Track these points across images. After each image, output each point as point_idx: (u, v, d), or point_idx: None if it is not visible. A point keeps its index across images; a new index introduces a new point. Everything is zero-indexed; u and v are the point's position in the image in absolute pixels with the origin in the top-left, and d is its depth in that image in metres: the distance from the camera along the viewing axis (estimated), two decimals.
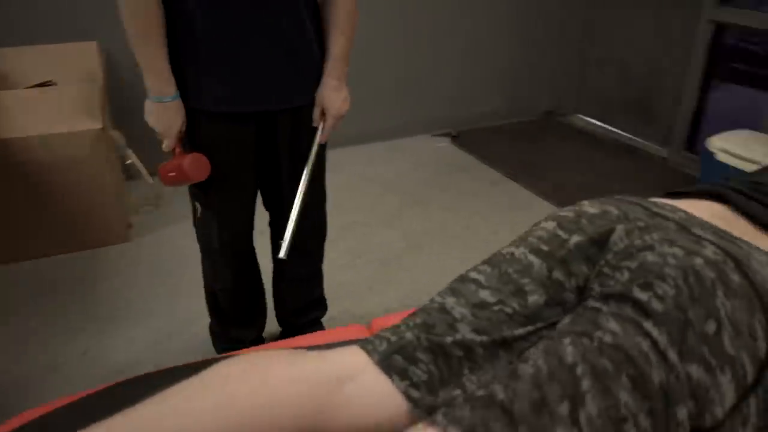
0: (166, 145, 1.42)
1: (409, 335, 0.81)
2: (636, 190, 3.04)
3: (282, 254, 1.49)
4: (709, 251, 0.74)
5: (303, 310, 1.87)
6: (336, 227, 2.42)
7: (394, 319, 1.04)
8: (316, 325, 1.90)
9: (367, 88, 3.36)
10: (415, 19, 3.43)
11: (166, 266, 2.39)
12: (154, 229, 2.65)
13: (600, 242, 0.83)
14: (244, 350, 1.36)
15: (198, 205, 1.57)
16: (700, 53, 3.13)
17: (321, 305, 1.90)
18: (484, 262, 0.91)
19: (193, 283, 2.16)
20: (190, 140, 1.44)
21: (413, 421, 0.74)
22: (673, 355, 0.66)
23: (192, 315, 2.09)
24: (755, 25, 2.93)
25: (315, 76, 1.48)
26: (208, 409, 0.72)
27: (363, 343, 0.82)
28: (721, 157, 2.48)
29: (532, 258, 0.86)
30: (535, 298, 0.82)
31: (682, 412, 0.65)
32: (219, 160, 1.44)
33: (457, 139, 3.70)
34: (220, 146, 1.45)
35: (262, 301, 1.82)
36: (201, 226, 1.61)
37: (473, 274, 0.89)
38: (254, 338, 1.84)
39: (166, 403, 0.73)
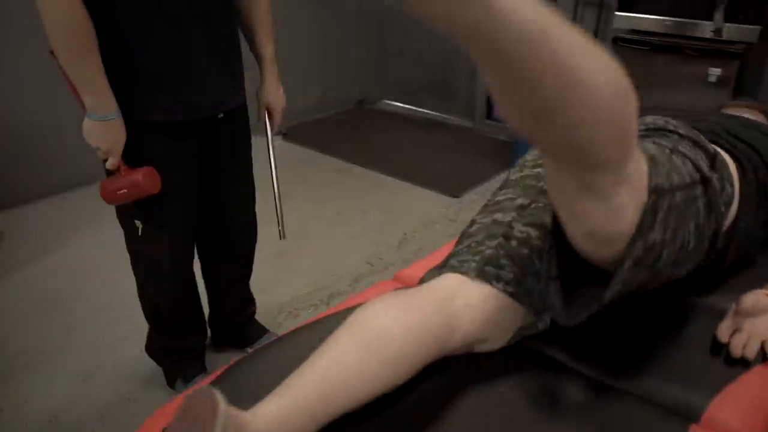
0: (111, 162, 1.38)
1: (487, 251, 0.99)
2: (456, 156, 3.51)
3: (284, 237, 1.67)
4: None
5: (238, 309, 1.90)
6: None
7: (417, 269, 1.22)
8: (251, 321, 1.94)
9: None
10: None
11: (42, 305, 2.18)
12: (8, 272, 2.37)
13: None
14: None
15: (138, 223, 1.52)
16: None
17: (252, 302, 1.95)
18: (503, 187, 1.13)
19: (87, 313, 2.06)
20: (132, 154, 1.40)
21: (516, 310, 0.95)
22: None
23: (108, 342, 1.98)
24: None
25: (242, 78, 1.56)
26: (372, 349, 0.83)
27: (454, 269, 0.99)
28: None
29: (538, 170, 1.10)
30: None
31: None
32: (166, 172, 1.43)
33: (288, 135, 3.83)
34: (167, 158, 1.44)
35: (200, 307, 1.81)
36: (143, 244, 1.56)
37: (501, 196, 1.10)
38: (202, 344, 1.83)
39: (328, 359, 0.82)
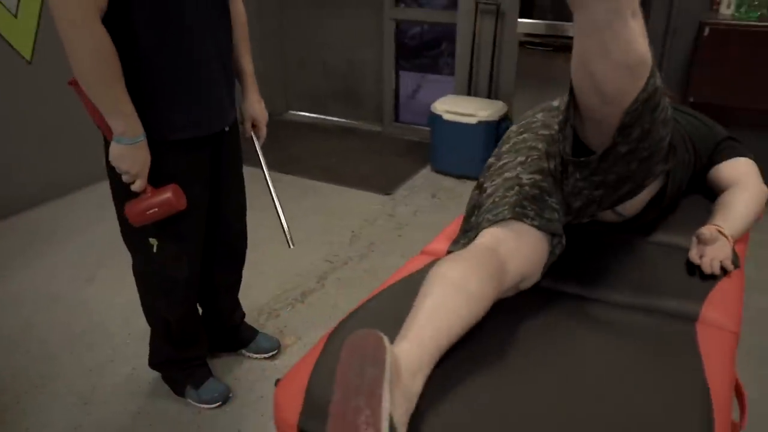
0: (139, 185, 1.43)
1: (511, 198, 1.21)
2: (375, 158, 3.75)
3: (292, 245, 1.80)
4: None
5: (230, 314, 1.98)
6: None
7: (440, 242, 1.43)
8: (242, 324, 2.03)
9: None
10: None
11: (17, 336, 2.10)
12: None
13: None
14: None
15: (153, 241, 1.57)
16: (388, 45, 3.97)
17: (240, 305, 2.04)
18: (498, 157, 1.36)
19: (65, 340, 2.06)
20: (154, 173, 1.46)
21: (543, 241, 1.19)
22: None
23: (96, 365, 1.97)
24: (422, 18, 3.89)
25: (234, 92, 1.68)
26: (460, 300, 1.03)
27: (491, 222, 1.20)
28: (447, 116, 3.32)
29: (524, 136, 1.37)
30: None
31: None
32: (187, 187, 1.51)
33: None
34: (188, 173, 1.52)
35: (199, 314, 1.88)
36: (160, 260, 1.60)
37: (503, 161, 1.34)
38: (206, 350, 1.89)
39: (430, 305, 1.01)
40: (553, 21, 2.79)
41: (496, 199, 1.26)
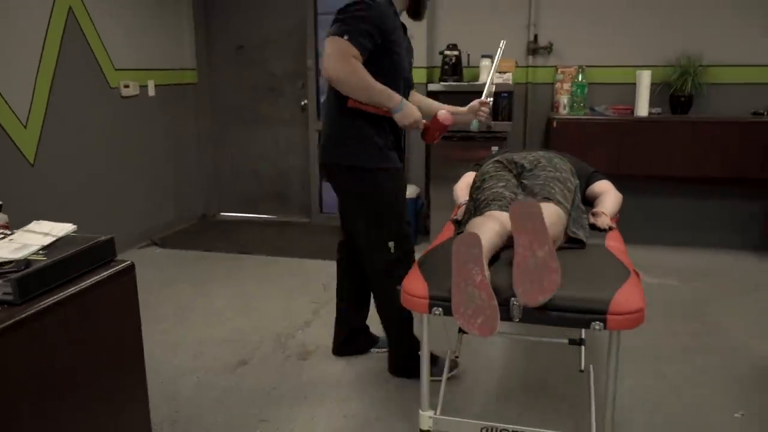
0: (421, 125, 2.24)
1: (500, 202, 2.12)
2: (315, 238, 4.50)
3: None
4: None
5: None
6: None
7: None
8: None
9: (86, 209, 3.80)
10: (113, 152, 4.05)
11: None
12: None
13: (512, 161, 2.34)
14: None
15: (391, 244, 2.25)
16: (314, 152, 4.90)
17: None
18: (487, 180, 2.28)
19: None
20: (379, 191, 2.25)
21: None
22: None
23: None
24: None
25: None
26: (490, 223, 1.89)
27: (491, 209, 2.09)
28: None
29: (501, 171, 2.30)
30: (513, 180, 2.26)
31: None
32: (401, 200, 2.34)
33: (163, 244, 4.37)
34: (400, 190, 2.35)
35: None
36: (393, 260, 2.25)
37: (489, 185, 2.25)
38: None
39: (478, 223, 1.86)
40: None
41: (489, 201, 2.16)
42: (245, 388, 2.42)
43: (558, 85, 4.11)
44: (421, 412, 1.87)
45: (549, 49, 4.16)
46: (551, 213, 1.89)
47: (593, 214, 2.35)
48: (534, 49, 4.18)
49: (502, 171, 2.31)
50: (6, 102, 3.25)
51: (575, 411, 2.20)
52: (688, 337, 2.84)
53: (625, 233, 4.20)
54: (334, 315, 2.68)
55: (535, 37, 4.17)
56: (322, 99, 2.37)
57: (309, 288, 3.51)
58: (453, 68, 4.08)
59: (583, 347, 2.07)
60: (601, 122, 3.89)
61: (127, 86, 4.14)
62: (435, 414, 1.88)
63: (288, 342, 2.83)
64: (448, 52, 4.06)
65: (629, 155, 3.86)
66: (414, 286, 1.76)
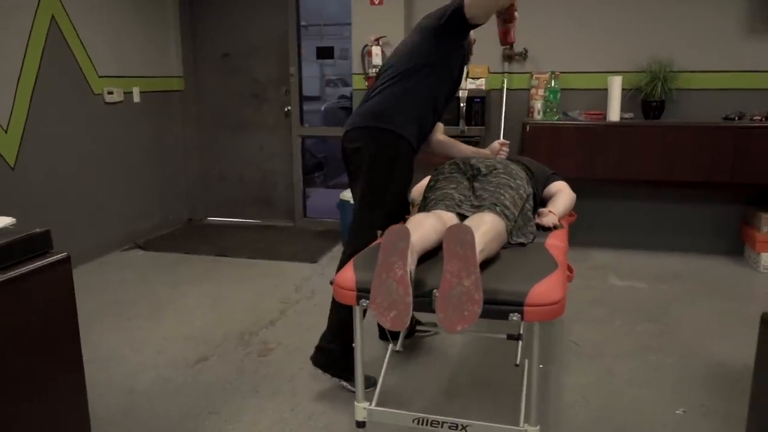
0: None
1: (447, 202, 2.18)
2: (295, 242, 4.58)
3: None
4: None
5: None
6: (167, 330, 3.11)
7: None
8: None
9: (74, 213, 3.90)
10: (96, 156, 4.15)
11: None
12: None
13: (469, 164, 2.39)
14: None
15: (379, 233, 2.23)
16: (297, 156, 4.98)
17: None
18: (440, 180, 2.34)
19: None
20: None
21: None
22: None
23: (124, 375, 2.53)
24: (322, 133, 4.98)
25: None
26: (431, 220, 1.94)
27: (436, 207, 2.15)
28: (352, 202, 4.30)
29: (455, 174, 2.36)
30: (465, 182, 2.32)
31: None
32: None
33: (146, 247, 4.45)
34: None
35: None
36: None
37: (440, 185, 2.30)
38: None
39: (416, 228, 1.91)
40: None
41: (438, 200, 2.22)
42: (202, 382, 2.48)
43: (533, 90, 4.17)
44: (356, 403, 1.92)
45: (524, 55, 4.22)
46: (490, 229, 1.92)
47: (539, 214, 2.39)
48: (509, 55, 4.25)
49: (456, 173, 2.37)
50: None
51: (517, 404, 2.24)
52: (646, 336, 2.87)
53: (598, 237, 4.28)
54: (303, 315, 2.74)
55: (511, 44, 4.23)
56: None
57: (281, 289, 3.57)
58: None
59: (520, 342, 2.11)
60: (574, 127, 3.94)
61: (111, 93, 4.24)
62: (370, 405, 1.93)
63: (251, 339, 2.89)
64: None
65: (602, 159, 3.90)
66: (344, 278, 1.82)
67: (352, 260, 1.95)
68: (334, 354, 2.35)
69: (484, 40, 4.15)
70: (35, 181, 3.69)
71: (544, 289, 1.67)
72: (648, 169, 3.86)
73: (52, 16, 3.75)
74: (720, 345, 2.77)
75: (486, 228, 1.89)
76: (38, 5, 3.64)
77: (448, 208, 2.18)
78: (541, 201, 2.71)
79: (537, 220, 2.37)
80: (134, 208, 4.60)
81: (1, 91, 3.46)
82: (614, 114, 3.90)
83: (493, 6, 2.23)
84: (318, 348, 2.39)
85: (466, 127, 3.95)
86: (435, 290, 1.69)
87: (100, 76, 4.15)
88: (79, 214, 4.03)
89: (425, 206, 2.27)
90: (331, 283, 1.87)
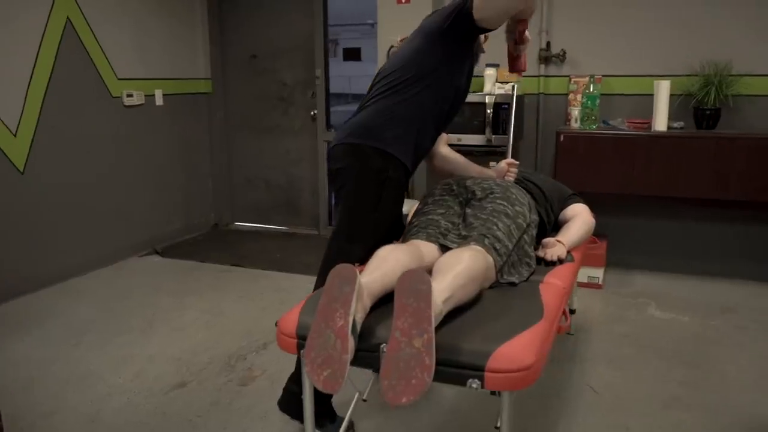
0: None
1: (430, 230, 1.90)
2: (315, 252, 4.36)
3: None
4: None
5: None
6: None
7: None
8: None
9: (86, 220, 3.83)
10: (114, 160, 4.08)
11: None
12: None
13: (464, 186, 2.09)
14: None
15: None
16: (323, 162, 4.77)
17: None
18: (428, 204, 2.05)
19: (62, 383, 2.46)
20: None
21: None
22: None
23: (94, 396, 2.38)
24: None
25: None
26: (399, 254, 1.67)
27: (417, 237, 1.87)
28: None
29: (446, 196, 2.07)
30: (456, 207, 2.02)
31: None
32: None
33: (164, 253, 4.36)
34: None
35: None
36: None
37: (428, 209, 2.02)
38: None
39: (379, 264, 1.64)
40: (454, 133, 3.70)
41: (420, 228, 1.95)
42: (170, 413, 2.30)
43: (571, 96, 3.78)
44: None
45: (562, 57, 3.84)
46: (464, 271, 1.61)
47: (543, 244, 2.07)
48: (546, 57, 3.87)
49: (447, 196, 2.08)
50: None
51: None
52: (680, 386, 2.47)
53: (640, 259, 3.84)
54: None
55: (548, 44, 3.86)
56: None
57: (285, 306, 3.36)
58: None
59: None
60: (614, 137, 3.52)
61: (130, 95, 4.16)
62: None
63: (236, 364, 2.69)
64: None
65: (646, 174, 3.47)
66: (287, 321, 1.58)
67: (303, 301, 1.70)
68: (298, 397, 2.10)
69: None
70: (46, 185, 3.63)
71: (513, 351, 1.37)
72: (700, 185, 3.41)
73: (67, 18, 3.68)
74: (759, 400, 2.35)
75: (460, 269, 1.60)
76: (52, 7, 3.57)
77: (429, 238, 1.90)
78: (556, 226, 2.38)
79: (540, 252, 2.04)
80: (156, 213, 4.52)
81: (10, 95, 3.41)
82: (661, 123, 3.47)
83: (508, 8, 1.92)
84: (284, 389, 2.15)
85: (493, 136, 3.62)
86: (384, 344, 1.43)
87: (119, 79, 4.08)
88: (94, 219, 3.96)
89: (408, 233, 1.99)
90: (276, 324, 1.63)
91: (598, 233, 3.85)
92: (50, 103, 3.62)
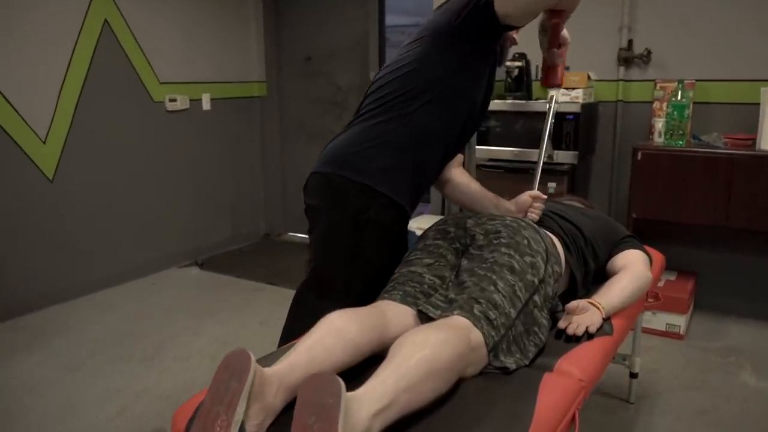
0: None
1: (408, 288, 1.47)
2: None
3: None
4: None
5: None
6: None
7: None
8: None
9: (123, 227, 3.69)
10: (154, 167, 3.93)
11: None
12: None
13: (463, 227, 1.63)
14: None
15: None
16: None
17: None
18: (415, 251, 1.62)
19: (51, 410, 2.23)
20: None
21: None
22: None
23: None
24: None
25: None
26: (350, 325, 1.26)
27: (390, 296, 1.45)
28: (418, 232, 3.62)
29: (439, 242, 1.62)
30: (450, 256, 1.57)
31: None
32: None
33: (204, 265, 4.17)
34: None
35: None
36: None
37: (413, 257, 1.59)
38: None
39: (311, 343, 1.24)
40: (502, 147, 3.19)
41: (398, 283, 1.52)
42: None
43: (656, 104, 3.15)
44: None
45: (646, 57, 3.21)
46: (421, 362, 1.15)
47: (569, 309, 1.56)
48: (627, 57, 3.26)
49: (440, 241, 1.63)
50: (21, 117, 3.21)
51: None
52: None
53: (737, 304, 3.14)
54: None
55: (629, 42, 3.25)
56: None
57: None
58: (516, 82, 3.33)
59: None
60: (706, 156, 2.86)
61: (173, 100, 3.99)
62: None
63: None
64: (510, 63, 3.32)
65: (745, 202, 2.80)
66: (183, 412, 1.21)
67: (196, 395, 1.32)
68: None
69: (597, 36, 3.25)
70: (77, 193, 3.52)
71: None
72: None
73: (105, 20, 3.54)
74: None
75: (416, 361, 1.15)
76: (88, 9, 3.45)
77: (405, 299, 1.47)
78: (603, 276, 1.86)
79: (562, 322, 1.54)
80: (200, 222, 4.34)
81: (40, 102, 3.31)
82: (767, 140, 2.78)
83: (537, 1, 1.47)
84: None
85: (554, 152, 3.08)
86: None
87: (161, 83, 3.92)
88: (131, 228, 3.83)
89: (385, 288, 1.57)
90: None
91: (684, 268, 3.21)
92: (84, 110, 3.50)
